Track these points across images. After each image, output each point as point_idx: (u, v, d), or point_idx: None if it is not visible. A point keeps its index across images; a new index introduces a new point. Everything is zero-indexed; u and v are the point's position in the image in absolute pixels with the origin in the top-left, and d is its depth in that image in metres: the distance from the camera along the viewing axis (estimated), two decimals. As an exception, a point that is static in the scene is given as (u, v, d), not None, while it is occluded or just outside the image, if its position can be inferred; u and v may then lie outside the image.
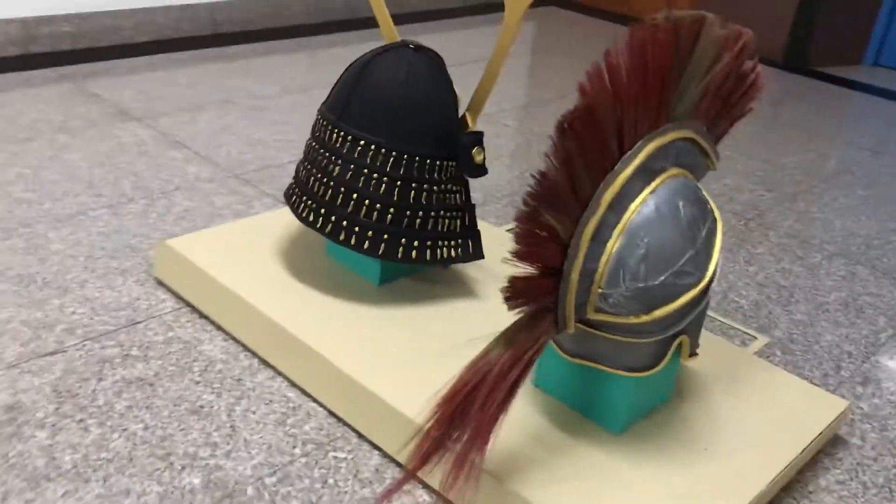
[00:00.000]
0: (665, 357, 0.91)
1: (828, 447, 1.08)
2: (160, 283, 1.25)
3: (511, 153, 1.95)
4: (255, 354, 1.12)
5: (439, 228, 1.13)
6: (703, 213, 0.88)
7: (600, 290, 0.86)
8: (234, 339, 1.15)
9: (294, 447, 0.98)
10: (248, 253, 1.22)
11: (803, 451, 0.98)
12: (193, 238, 1.26)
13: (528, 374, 0.85)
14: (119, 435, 0.97)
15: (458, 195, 1.16)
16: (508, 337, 0.84)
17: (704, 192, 0.92)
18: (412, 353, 1.05)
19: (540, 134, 2.04)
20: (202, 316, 1.19)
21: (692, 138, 0.91)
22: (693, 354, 0.97)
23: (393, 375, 1.01)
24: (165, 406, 1.02)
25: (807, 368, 1.24)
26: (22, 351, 1.08)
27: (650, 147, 0.85)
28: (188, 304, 1.21)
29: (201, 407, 1.02)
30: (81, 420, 0.98)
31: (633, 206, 0.85)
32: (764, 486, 0.91)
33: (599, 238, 0.84)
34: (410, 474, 0.82)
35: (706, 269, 0.87)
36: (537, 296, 0.84)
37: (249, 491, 0.91)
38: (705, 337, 1.16)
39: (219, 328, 1.17)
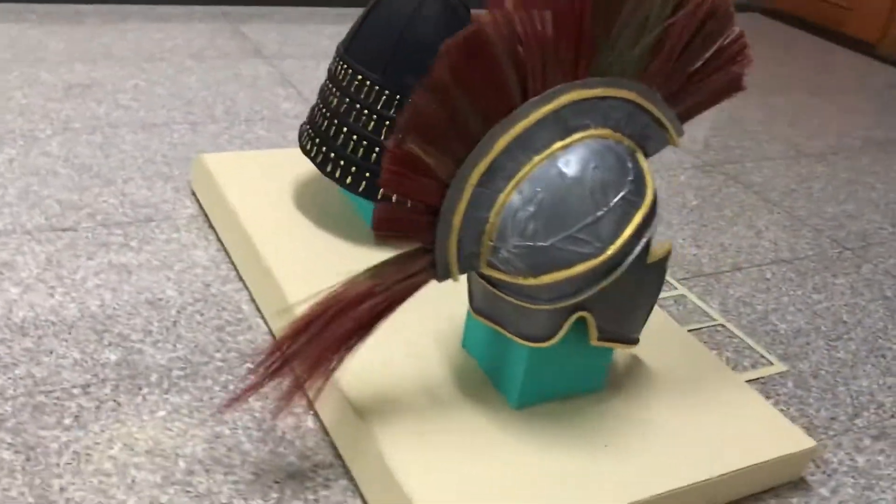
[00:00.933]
0: (560, 331, 0.84)
1: (784, 489, 0.94)
2: (193, 194, 1.34)
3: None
4: (234, 267, 1.17)
5: (426, 177, 1.12)
6: (619, 182, 0.80)
7: (491, 243, 0.81)
8: (225, 251, 1.20)
9: (217, 352, 1.01)
10: (267, 178, 1.27)
11: (725, 475, 0.86)
12: (229, 157, 1.33)
13: (392, 311, 0.82)
14: (75, 306, 1.05)
15: (453, 147, 1.13)
16: (377, 269, 0.82)
17: (643, 165, 0.83)
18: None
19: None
20: (210, 227, 1.26)
21: (635, 102, 0.82)
22: (615, 341, 0.88)
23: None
24: (130, 292, 1.09)
25: (813, 407, 1.08)
26: (42, 223, 1.20)
27: (566, 98, 0.79)
28: (205, 216, 1.28)
29: (159, 299, 1.08)
30: (52, 287, 1.08)
31: (537, 159, 0.79)
32: (647, 496, 0.82)
33: (491, 186, 0.79)
34: (255, 385, 0.82)
35: (610, 242, 0.79)
36: (411, 231, 0.80)
37: (153, 377, 0.95)
38: (695, 348, 1.06)
39: (218, 240, 1.23)
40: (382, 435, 0.83)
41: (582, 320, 0.84)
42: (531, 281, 0.80)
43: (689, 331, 1.17)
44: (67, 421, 0.88)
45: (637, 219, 0.80)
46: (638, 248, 0.81)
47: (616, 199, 0.79)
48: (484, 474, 0.81)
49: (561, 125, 0.80)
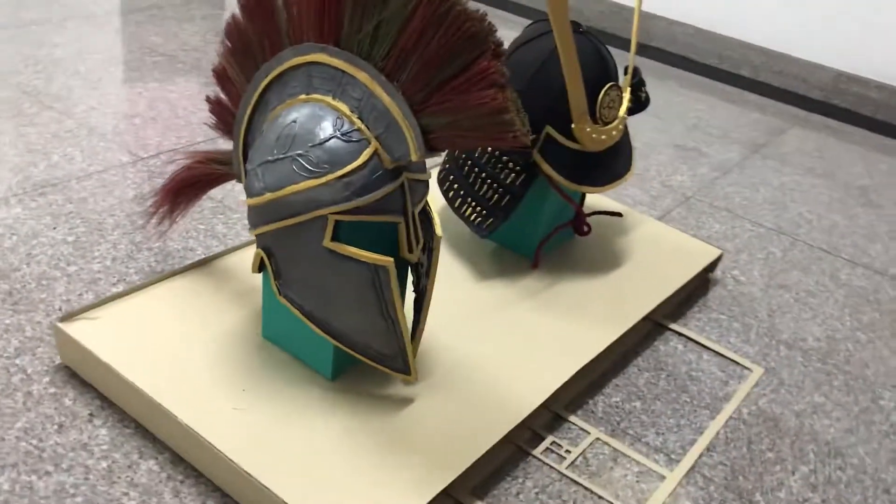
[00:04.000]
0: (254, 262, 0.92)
1: None
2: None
3: None
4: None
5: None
6: (301, 142, 0.82)
7: None
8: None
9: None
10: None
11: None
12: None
13: (210, 184, 1.05)
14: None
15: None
16: (220, 151, 1.04)
17: (363, 158, 0.81)
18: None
19: None
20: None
21: (371, 89, 0.82)
22: (317, 325, 0.89)
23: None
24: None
25: None
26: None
27: (312, 57, 0.85)
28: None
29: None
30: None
31: (289, 102, 0.87)
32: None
33: (262, 115, 0.91)
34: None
35: (269, 189, 0.84)
36: (224, 126, 0.99)
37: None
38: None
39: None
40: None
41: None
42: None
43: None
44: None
45: (302, 186, 0.82)
46: (305, 216, 0.83)
47: (287, 154, 0.83)
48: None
49: (307, 82, 0.86)
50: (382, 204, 0.83)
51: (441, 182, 1.23)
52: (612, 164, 1.18)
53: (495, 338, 1.06)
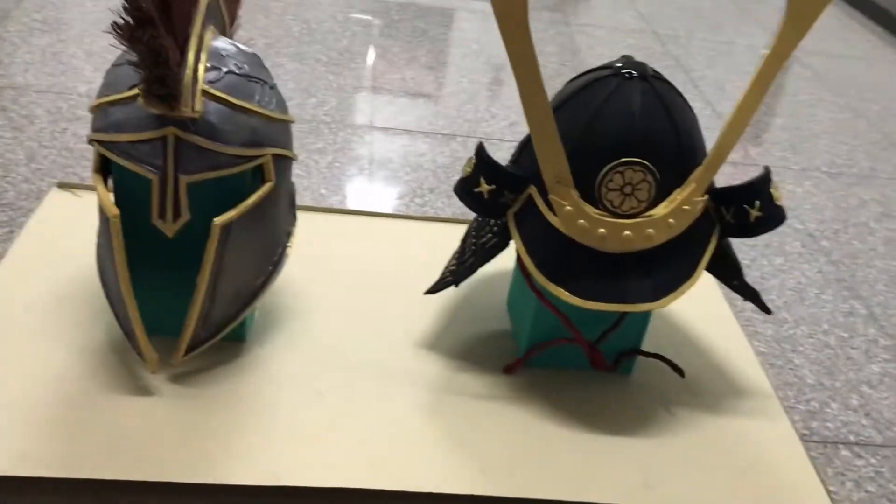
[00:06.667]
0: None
1: None
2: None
3: None
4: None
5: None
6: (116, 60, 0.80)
7: None
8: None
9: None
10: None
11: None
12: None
13: None
14: None
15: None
16: None
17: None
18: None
19: None
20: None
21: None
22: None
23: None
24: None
25: None
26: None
27: None
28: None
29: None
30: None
31: None
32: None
33: None
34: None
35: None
36: None
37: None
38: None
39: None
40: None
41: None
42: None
43: None
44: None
45: (92, 103, 0.79)
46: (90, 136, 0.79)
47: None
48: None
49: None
50: (136, 150, 0.74)
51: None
52: (628, 276, 0.79)
53: (331, 407, 0.85)
